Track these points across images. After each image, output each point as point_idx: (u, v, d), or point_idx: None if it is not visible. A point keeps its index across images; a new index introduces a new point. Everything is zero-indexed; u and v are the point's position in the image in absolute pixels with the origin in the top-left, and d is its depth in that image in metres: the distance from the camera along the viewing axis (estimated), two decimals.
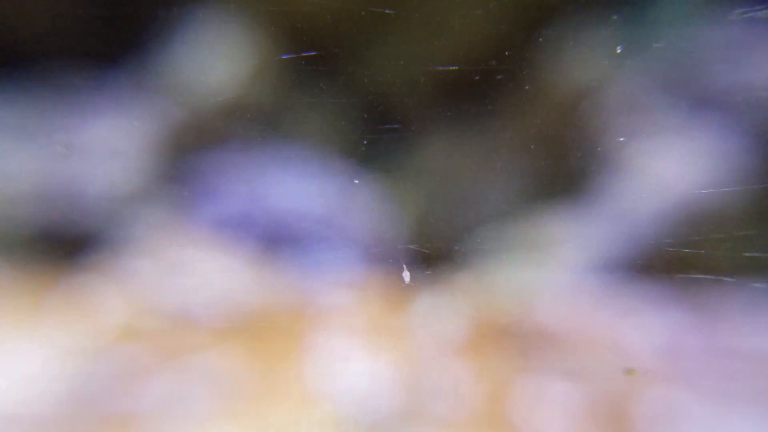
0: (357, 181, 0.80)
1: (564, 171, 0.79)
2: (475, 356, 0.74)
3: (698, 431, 0.66)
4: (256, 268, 0.80)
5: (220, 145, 0.81)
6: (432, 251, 0.77)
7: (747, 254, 0.72)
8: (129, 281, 0.78)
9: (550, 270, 0.80)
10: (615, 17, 0.73)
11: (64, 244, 0.79)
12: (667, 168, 0.77)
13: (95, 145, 0.80)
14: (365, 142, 0.78)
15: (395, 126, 0.78)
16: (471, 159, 0.80)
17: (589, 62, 0.76)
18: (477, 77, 0.73)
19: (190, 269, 0.80)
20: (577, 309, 0.77)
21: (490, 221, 0.80)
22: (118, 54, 0.77)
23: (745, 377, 0.70)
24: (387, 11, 0.73)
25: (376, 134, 0.78)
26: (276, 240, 0.81)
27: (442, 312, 0.78)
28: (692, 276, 0.73)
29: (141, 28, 0.77)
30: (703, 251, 0.73)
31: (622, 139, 0.77)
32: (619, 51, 0.73)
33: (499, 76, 0.73)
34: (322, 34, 0.75)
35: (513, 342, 0.75)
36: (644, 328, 0.75)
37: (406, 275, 0.75)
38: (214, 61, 0.79)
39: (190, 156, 0.81)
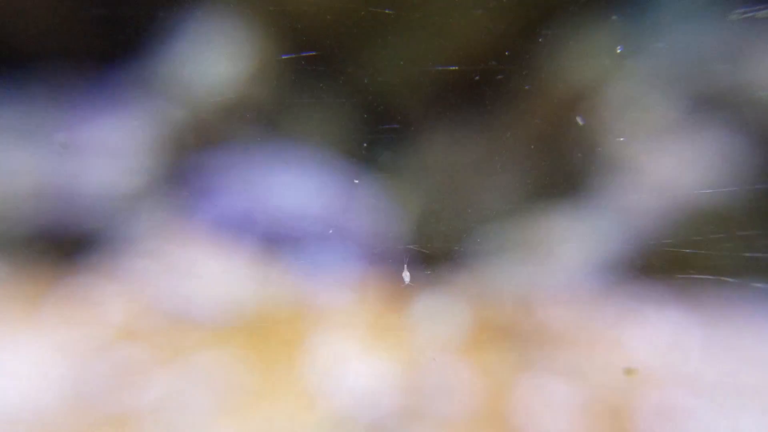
0: (357, 181, 0.80)
1: (564, 171, 0.79)
2: (475, 356, 0.74)
3: (698, 431, 0.66)
4: (256, 268, 0.80)
5: (220, 145, 0.81)
6: (432, 251, 0.77)
7: (747, 254, 0.72)
8: (129, 281, 0.78)
9: (550, 270, 0.80)
10: (615, 17, 0.73)
11: (64, 244, 0.79)
12: (667, 168, 0.77)
13: (95, 144, 0.80)
14: (365, 142, 0.78)
15: (395, 126, 0.78)
16: (471, 159, 0.80)
17: (589, 62, 0.76)
18: (477, 77, 0.73)
19: (190, 269, 0.80)
20: (577, 309, 0.77)
21: (490, 221, 0.80)
22: (118, 54, 0.77)
23: (745, 377, 0.70)
24: (387, 11, 0.73)
25: (376, 134, 0.78)
26: (276, 240, 0.81)
27: (442, 312, 0.78)
28: (692, 276, 0.73)
29: (141, 28, 0.77)
30: (703, 251, 0.73)
31: (622, 139, 0.77)
32: (619, 51, 0.73)
33: (499, 76, 0.73)
34: (322, 34, 0.75)
35: (513, 342, 0.75)
36: (644, 328, 0.75)
37: (406, 275, 0.75)
38: (214, 61, 0.79)
39: (190, 156, 0.81)
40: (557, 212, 0.80)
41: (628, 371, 0.71)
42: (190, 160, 0.81)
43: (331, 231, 0.81)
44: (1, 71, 0.78)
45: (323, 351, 0.74)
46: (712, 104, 0.75)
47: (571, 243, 0.79)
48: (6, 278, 0.78)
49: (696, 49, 0.73)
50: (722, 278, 0.73)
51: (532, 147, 0.78)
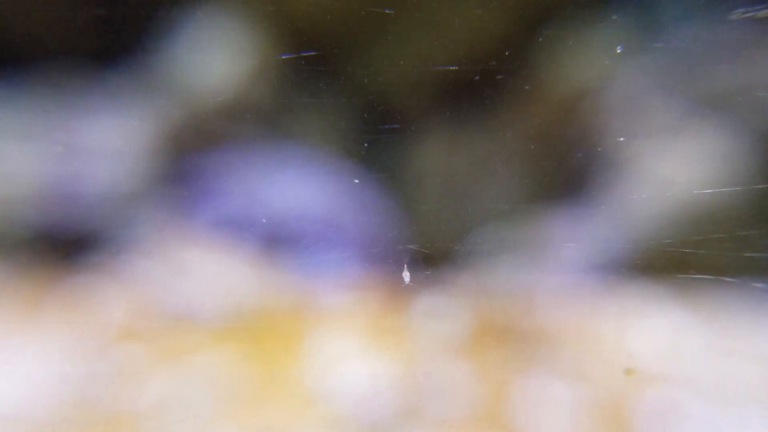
0: (357, 181, 0.80)
1: (564, 171, 0.79)
2: (475, 356, 0.74)
3: (698, 431, 0.66)
4: (256, 268, 0.80)
5: (220, 145, 0.81)
6: (432, 251, 0.77)
7: (747, 254, 0.72)
8: (129, 281, 0.78)
9: (550, 270, 0.80)
10: (615, 17, 0.73)
11: (64, 244, 0.79)
12: (667, 168, 0.77)
13: (95, 145, 0.80)
14: (365, 142, 0.78)
15: (395, 126, 0.78)
16: (471, 159, 0.80)
17: (589, 62, 0.76)
18: (477, 77, 0.73)
19: (190, 269, 0.80)
20: (577, 309, 0.77)
21: (490, 221, 0.80)
22: (118, 54, 0.77)
23: (744, 377, 0.70)
24: (387, 11, 0.73)
25: (376, 134, 0.78)
26: (276, 240, 0.81)
27: (442, 312, 0.78)
28: (692, 276, 0.73)
29: (141, 28, 0.77)
30: (703, 251, 0.73)
31: (622, 139, 0.77)
32: (619, 51, 0.73)
33: (499, 76, 0.73)
34: (322, 34, 0.75)
35: (513, 342, 0.75)
36: (644, 328, 0.75)
37: (406, 275, 0.75)
38: (214, 61, 0.79)
39: (190, 156, 0.81)
40: (557, 212, 0.80)
41: (628, 371, 0.71)
42: (190, 161, 0.81)
43: (331, 231, 0.81)
44: (1, 71, 0.78)
45: (323, 351, 0.74)
46: (712, 104, 0.75)
47: (571, 243, 0.79)
48: (6, 279, 0.78)
49: (696, 49, 0.73)
50: (722, 278, 0.73)
51: (532, 147, 0.78)
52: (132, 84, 0.79)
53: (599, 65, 0.76)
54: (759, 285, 0.72)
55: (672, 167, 0.77)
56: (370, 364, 0.73)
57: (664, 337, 0.74)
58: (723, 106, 0.75)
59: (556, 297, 0.79)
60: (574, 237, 0.79)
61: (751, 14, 0.68)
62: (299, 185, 0.82)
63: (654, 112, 0.76)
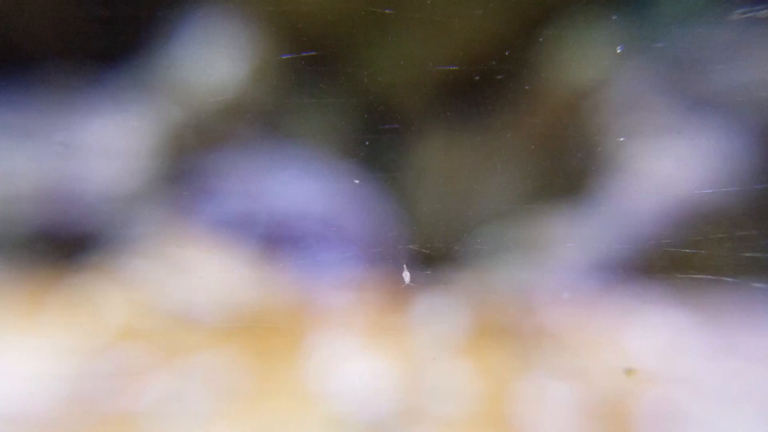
0: (357, 181, 0.80)
1: (564, 171, 0.79)
2: (475, 356, 0.74)
3: (698, 431, 0.66)
4: (256, 268, 0.80)
5: (220, 145, 0.81)
6: (432, 251, 0.77)
7: (747, 254, 0.72)
8: (129, 281, 0.78)
9: (550, 270, 0.80)
10: (615, 17, 0.73)
11: (64, 244, 0.79)
12: (667, 168, 0.77)
13: (95, 145, 0.80)
14: (365, 142, 0.78)
15: (395, 126, 0.78)
16: (471, 159, 0.80)
17: (589, 62, 0.76)
18: (477, 77, 0.73)
19: (190, 269, 0.80)
20: (577, 309, 0.77)
21: (490, 221, 0.80)
22: (118, 54, 0.77)
23: (745, 377, 0.70)
24: (387, 11, 0.73)
25: (376, 134, 0.78)
26: (276, 240, 0.81)
27: (442, 312, 0.78)
28: (692, 276, 0.73)
29: (141, 29, 0.77)
30: (703, 251, 0.73)
31: (622, 139, 0.77)
32: (619, 51, 0.73)
33: (499, 76, 0.73)
34: (322, 34, 0.75)
35: (513, 342, 0.75)
36: (644, 328, 0.75)
37: (406, 275, 0.75)
38: (214, 61, 0.79)
39: (190, 156, 0.81)
40: (557, 212, 0.80)
41: (628, 371, 0.71)
42: (190, 161, 0.81)
43: (331, 231, 0.81)
44: (2, 71, 0.78)
45: (323, 351, 0.74)
46: (712, 104, 0.75)
47: (571, 243, 0.79)
48: (7, 279, 0.78)
49: (696, 49, 0.73)
50: (722, 278, 0.73)
51: (533, 147, 0.78)
52: (132, 84, 0.79)
53: (599, 65, 0.76)
54: (759, 285, 0.72)
55: (672, 167, 0.77)
56: (370, 364, 0.73)
57: (664, 337, 0.74)
58: (723, 106, 0.75)
59: (556, 297, 0.79)
60: (574, 237, 0.79)
61: (751, 14, 0.68)
62: (299, 185, 0.82)
63: (654, 112, 0.76)
